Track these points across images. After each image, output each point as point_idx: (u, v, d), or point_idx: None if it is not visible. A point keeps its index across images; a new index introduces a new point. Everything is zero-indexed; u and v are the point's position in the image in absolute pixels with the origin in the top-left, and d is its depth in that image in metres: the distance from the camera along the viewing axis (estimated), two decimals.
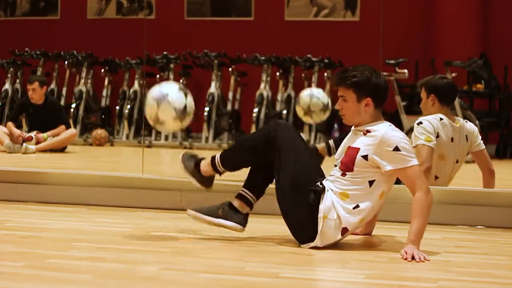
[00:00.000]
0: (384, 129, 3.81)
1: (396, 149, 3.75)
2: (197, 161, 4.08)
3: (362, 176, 3.81)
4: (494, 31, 11.19)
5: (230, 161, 4.04)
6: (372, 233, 4.25)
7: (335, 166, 3.92)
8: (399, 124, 9.46)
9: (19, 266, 3.24)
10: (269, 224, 4.41)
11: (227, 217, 3.98)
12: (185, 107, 3.96)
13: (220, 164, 4.03)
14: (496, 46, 11.08)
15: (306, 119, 6.22)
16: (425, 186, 3.74)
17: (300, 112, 6.26)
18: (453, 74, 9.59)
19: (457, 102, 9.34)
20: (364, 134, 3.84)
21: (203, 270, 3.27)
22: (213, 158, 4.04)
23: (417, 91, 5.36)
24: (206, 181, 4.08)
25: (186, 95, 3.98)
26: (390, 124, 3.88)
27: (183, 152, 4.13)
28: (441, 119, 5.02)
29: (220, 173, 4.07)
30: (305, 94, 6.41)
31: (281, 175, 3.86)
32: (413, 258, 3.56)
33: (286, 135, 3.89)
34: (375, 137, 3.80)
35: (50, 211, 4.94)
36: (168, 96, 3.94)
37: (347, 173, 3.83)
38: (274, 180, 3.93)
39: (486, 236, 4.42)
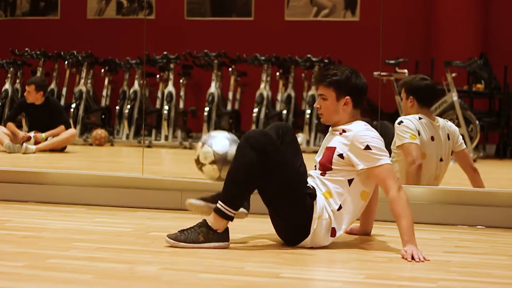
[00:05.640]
0: (358, 128, 3.85)
1: (367, 147, 3.79)
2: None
3: (341, 174, 3.84)
4: (494, 31, 11.19)
5: (236, 200, 3.79)
6: (372, 233, 4.25)
7: (315, 167, 3.95)
8: None
9: (19, 266, 3.24)
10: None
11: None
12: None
13: (228, 209, 3.75)
14: (496, 46, 11.08)
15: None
16: (396, 184, 3.76)
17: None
18: (453, 74, 9.59)
19: (457, 102, 9.35)
20: (340, 134, 3.86)
21: (203, 270, 3.27)
22: (217, 209, 3.77)
23: (398, 90, 5.42)
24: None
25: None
26: (365, 123, 3.91)
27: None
28: (420, 118, 5.08)
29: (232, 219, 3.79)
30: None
31: (276, 185, 3.77)
32: (413, 258, 3.56)
33: (272, 145, 3.76)
34: (348, 136, 3.84)
35: (50, 211, 4.94)
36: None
37: (326, 172, 3.87)
38: (262, 189, 3.82)
39: (486, 236, 4.42)
